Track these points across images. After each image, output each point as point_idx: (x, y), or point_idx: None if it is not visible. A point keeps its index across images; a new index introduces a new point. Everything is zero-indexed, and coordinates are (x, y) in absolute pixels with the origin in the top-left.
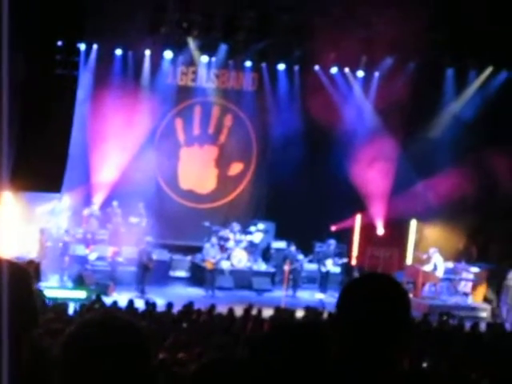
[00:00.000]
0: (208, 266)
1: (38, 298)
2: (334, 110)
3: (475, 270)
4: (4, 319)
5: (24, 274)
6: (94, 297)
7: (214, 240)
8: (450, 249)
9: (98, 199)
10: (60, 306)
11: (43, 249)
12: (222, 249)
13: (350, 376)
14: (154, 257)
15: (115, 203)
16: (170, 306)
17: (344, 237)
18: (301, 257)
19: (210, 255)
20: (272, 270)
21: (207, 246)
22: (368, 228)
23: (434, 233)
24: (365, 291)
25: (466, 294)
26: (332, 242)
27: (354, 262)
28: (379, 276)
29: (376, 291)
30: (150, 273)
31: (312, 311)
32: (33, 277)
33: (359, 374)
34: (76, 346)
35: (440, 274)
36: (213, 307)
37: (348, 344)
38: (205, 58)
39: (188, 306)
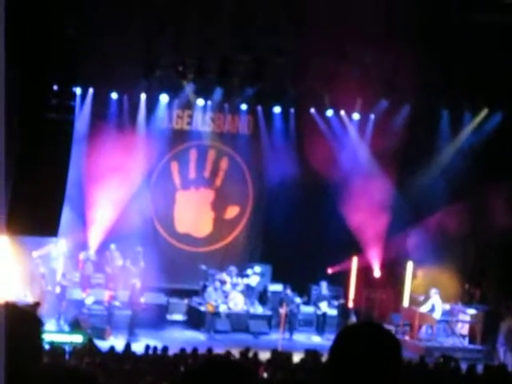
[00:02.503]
0: (209, 308)
1: (42, 340)
2: (330, 152)
3: (472, 311)
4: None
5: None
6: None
7: (217, 284)
8: (447, 290)
9: (93, 243)
10: (56, 349)
11: (43, 293)
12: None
13: None
14: (143, 300)
15: (113, 246)
16: (165, 349)
17: (340, 279)
18: (298, 300)
19: (212, 298)
20: (269, 312)
21: (210, 289)
22: (364, 270)
23: (430, 274)
24: (356, 343)
25: (462, 336)
26: (323, 284)
27: (350, 304)
28: (371, 327)
29: (368, 343)
30: (139, 315)
31: (311, 355)
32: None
33: None
34: None
35: (437, 315)
36: (209, 351)
37: None
38: (200, 102)
39: (184, 350)
